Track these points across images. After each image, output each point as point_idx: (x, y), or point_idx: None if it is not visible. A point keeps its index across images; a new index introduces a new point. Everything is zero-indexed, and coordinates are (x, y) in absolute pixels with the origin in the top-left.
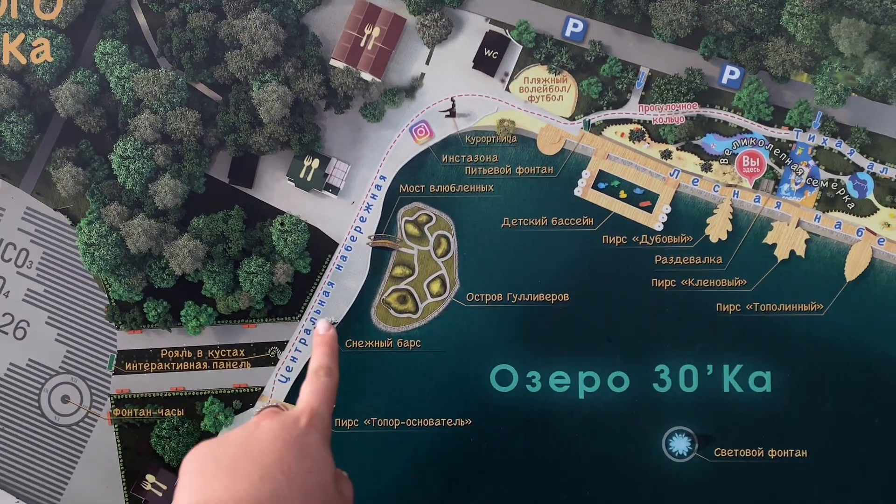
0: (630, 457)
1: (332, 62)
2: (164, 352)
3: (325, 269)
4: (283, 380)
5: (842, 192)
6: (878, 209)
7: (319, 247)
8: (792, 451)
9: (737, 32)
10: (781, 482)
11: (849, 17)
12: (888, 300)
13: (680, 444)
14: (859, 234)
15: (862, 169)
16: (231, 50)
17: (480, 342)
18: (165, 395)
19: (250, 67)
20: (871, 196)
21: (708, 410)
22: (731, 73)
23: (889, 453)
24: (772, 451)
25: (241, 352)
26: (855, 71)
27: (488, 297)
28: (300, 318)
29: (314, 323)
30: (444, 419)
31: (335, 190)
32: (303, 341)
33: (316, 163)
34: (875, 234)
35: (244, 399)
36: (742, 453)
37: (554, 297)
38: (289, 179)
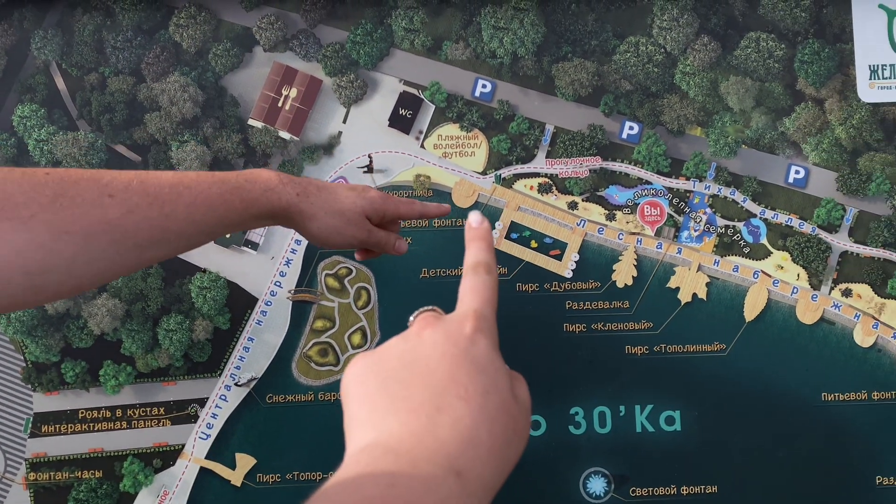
0: (549, 500)
1: (251, 122)
2: (82, 412)
3: (245, 324)
4: (204, 437)
5: (737, 237)
6: (772, 252)
7: (239, 303)
8: (703, 486)
9: (634, 90)
10: None
11: (736, 75)
12: (784, 338)
13: (597, 486)
14: (755, 276)
15: (755, 215)
16: (150, 112)
17: None
18: (83, 456)
19: (169, 128)
20: (764, 241)
21: (622, 451)
22: (631, 128)
23: (791, 483)
24: (684, 488)
25: (161, 410)
26: (744, 124)
27: None
28: (220, 375)
29: (234, 379)
30: None
31: (254, 246)
32: (223, 398)
33: None
34: (770, 276)
35: (164, 458)
36: (656, 492)
37: None
38: None
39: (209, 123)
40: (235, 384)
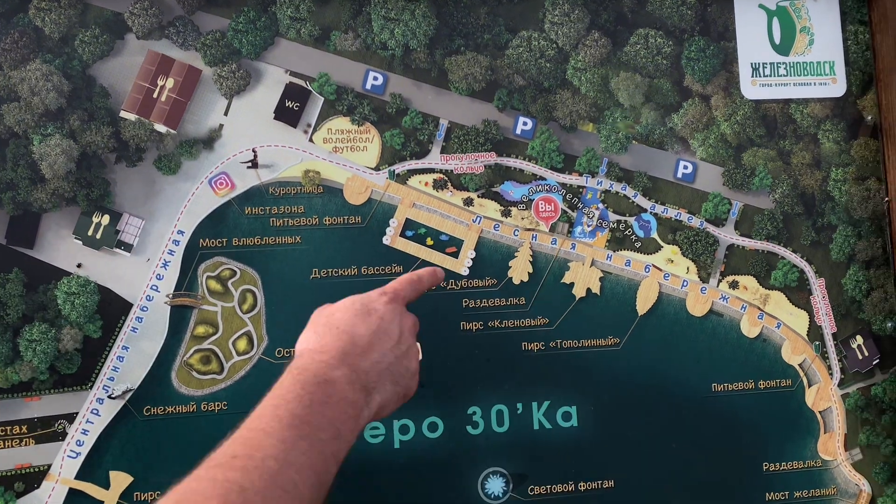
0: (447, 502)
1: (123, 114)
2: None
3: (119, 332)
4: (73, 455)
5: (629, 232)
6: (662, 247)
7: (112, 309)
8: (600, 482)
9: (527, 86)
10: None
11: (626, 71)
12: (675, 331)
13: (495, 486)
14: (647, 270)
15: (645, 210)
16: (8, 102)
17: None
18: None
19: (30, 121)
20: (655, 235)
21: (520, 449)
22: (525, 123)
23: (685, 474)
24: (582, 484)
25: (24, 428)
26: (634, 120)
27: None
28: (91, 387)
29: (107, 391)
30: None
31: (128, 247)
32: (95, 412)
33: (106, 219)
34: (661, 269)
35: (27, 480)
36: (555, 489)
37: None
38: (76, 238)
39: (76, 115)
40: (109, 397)
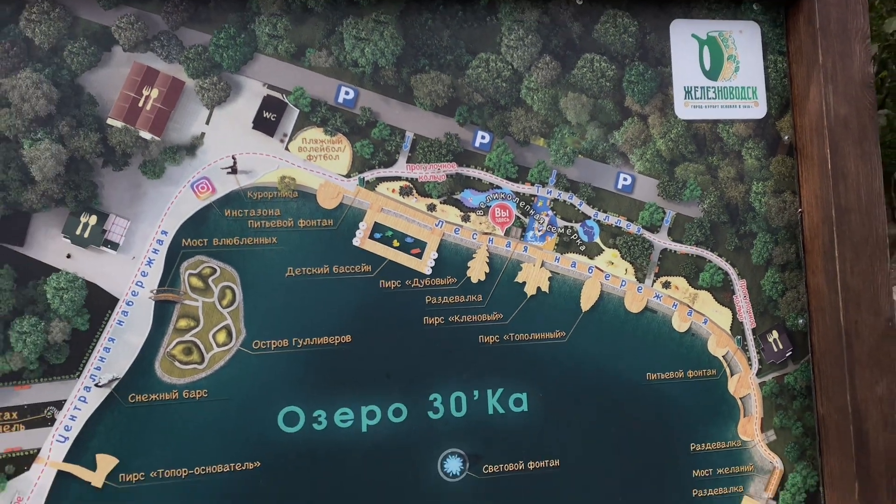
0: (409, 481)
1: (110, 121)
2: None
3: (105, 325)
4: (62, 440)
5: (575, 237)
6: (604, 250)
7: (98, 303)
8: (547, 461)
9: (486, 103)
10: (539, 490)
11: (573, 91)
12: (615, 326)
13: (453, 465)
14: (590, 271)
15: (589, 217)
16: None
17: (267, 387)
18: None
19: (21, 126)
20: (597, 240)
21: (476, 432)
22: (483, 137)
23: (622, 453)
24: (531, 463)
25: (14, 414)
26: (580, 136)
27: (274, 343)
28: (79, 376)
29: (94, 380)
30: (232, 464)
31: (114, 246)
32: (82, 399)
33: (93, 219)
34: (602, 270)
35: (17, 463)
36: (507, 468)
37: (337, 339)
38: (64, 236)
39: (65, 122)
40: (95, 385)
